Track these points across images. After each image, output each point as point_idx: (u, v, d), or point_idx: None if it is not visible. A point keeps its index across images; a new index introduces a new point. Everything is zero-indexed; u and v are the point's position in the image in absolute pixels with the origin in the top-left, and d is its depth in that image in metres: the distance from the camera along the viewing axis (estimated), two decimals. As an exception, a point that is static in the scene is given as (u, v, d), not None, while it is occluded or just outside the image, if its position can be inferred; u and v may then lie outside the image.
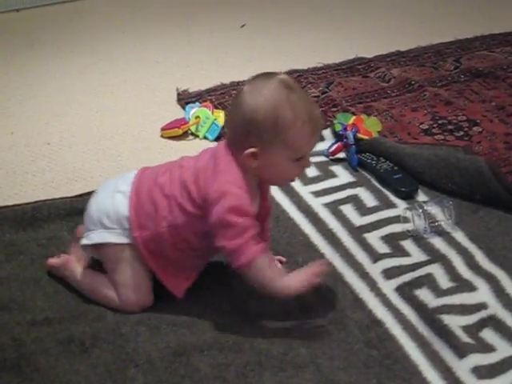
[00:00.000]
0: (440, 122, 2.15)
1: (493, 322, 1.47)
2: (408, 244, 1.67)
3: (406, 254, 1.65)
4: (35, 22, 2.81)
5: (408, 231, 1.70)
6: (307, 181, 1.87)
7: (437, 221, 1.70)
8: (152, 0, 3.01)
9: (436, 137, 2.08)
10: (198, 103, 2.19)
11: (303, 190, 1.84)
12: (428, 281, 1.56)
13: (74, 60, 2.52)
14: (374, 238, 1.69)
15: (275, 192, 1.76)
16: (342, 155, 1.97)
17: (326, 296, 1.52)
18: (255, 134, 1.38)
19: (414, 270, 1.59)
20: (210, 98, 2.24)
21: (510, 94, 2.30)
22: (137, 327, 1.44)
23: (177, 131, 2.09)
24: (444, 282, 1.57)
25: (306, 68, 2.42)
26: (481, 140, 2.06)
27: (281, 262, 1.59)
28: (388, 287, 1.55)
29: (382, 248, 1.66)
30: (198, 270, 1.52)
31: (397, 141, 2.04)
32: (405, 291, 1.54)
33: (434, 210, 1.71)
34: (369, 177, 1.90)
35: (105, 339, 1.42)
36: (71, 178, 1.92)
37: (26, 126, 2.15)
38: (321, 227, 1.72)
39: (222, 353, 1.39)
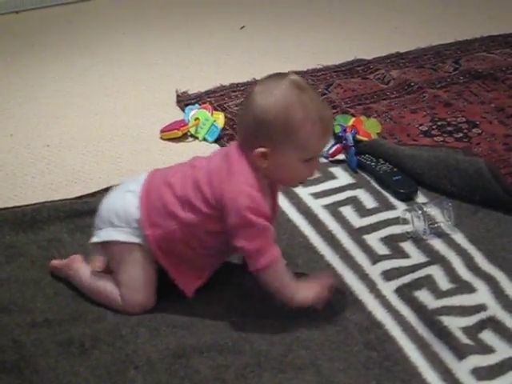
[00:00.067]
0: (439, 123, 2.15)
1: (492, 324, 1.47)
2: (407, 245, 1.67)
3: (405, 255, 1.65)
4: (35, 24, 2.81)
5: (407, 233, 1.70)
6: (307, 182, 1.86)
7: (436, 222, 1.70)
8: (151, 2, 3.01)
9: (435, 138, 2.08)
10: (197, 105, 2.19)
11: (303, 192, 1.84)
12: (427, 282, 1.56)
13: (74, 62, 2.52)
14: (373, 239, 1.69)
15: (275, 193, 1.77)
16: (341, 157, 1.97)
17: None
18: (266, 135, 1.39)
19: (413, 272, 1.59)
20: (209, 99, 2.24)
21: (509, 96, 2.30)
22: (137, 329, 1.44)
23: (176, 133, 2.08)
24: (443, 283, 1.57)
25: (305, 69, 2.41)
26: (480, 141, 2.06)
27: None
28: (387, 289, 1.55)
29: (382, 249, 1.66)
30: (211, 269, 1.51)
31: (396, 142, 2.04)
32: (404, 293, 1.54)
33: (434, 211, 1.71)
34: (368, 178, 1.90)
35: (104, 341, 1.42)
36: (71, 179, 1.92)
37: (25, 128, 2.15)
38: (320, 229, 1.72)
39: (222, 354, 1.39)
